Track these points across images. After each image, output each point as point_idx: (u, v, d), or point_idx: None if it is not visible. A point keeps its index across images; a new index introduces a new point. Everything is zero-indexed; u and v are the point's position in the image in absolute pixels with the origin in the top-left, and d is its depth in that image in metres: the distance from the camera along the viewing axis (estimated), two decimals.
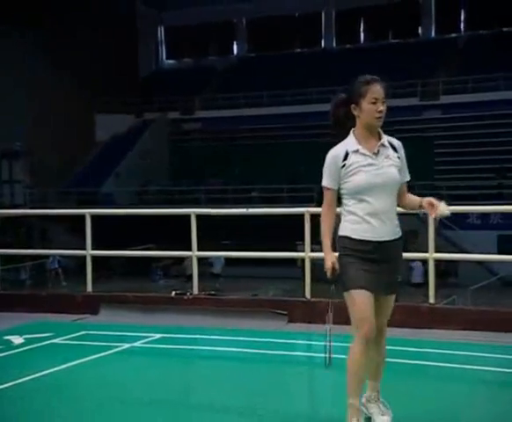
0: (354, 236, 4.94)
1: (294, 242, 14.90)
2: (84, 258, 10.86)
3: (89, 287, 10.83)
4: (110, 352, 8.15)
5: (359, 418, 4.93)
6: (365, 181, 4.89)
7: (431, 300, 9.54)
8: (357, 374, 4.93)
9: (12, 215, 15.31)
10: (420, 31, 34.68)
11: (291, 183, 27.74)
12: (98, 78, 32.60)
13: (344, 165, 4.90)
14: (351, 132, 4.99)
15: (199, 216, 10.24)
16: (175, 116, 34.24)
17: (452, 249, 20.15)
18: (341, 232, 5.05)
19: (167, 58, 38.82)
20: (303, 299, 9.65)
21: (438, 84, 29.58)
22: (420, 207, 5.11)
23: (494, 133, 27.06)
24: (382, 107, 4.88)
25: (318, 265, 10.01)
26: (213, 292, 11.51)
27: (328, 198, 5.04)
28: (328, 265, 4.91)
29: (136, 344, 8.55)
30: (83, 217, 10.75)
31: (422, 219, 13.10)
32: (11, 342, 8.62)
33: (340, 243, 5.04)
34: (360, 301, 4.90)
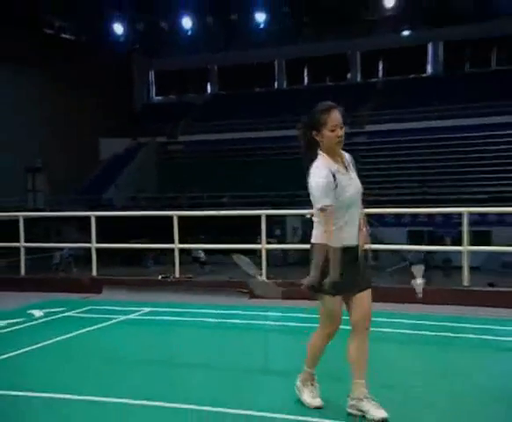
0: (339, 245, 4.35)
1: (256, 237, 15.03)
2: (90, 249, 10.84)
3: (94, 272, 10.78)
4: (111, 322, 8.14)
5: (313, 382, 4.70)
6: (350, 195, 4.44)
7: None
8: (316, 354, 4.69)
9: (35, 217, 15.17)
10: (348, 76, 34.88)
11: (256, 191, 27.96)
12: (101, 109, 32.36)
13: (336, 185, 4.34)
14: (320, 153, 4.47)
15: (180, 217, 10.30)
16: (162, 140, 34.04)
17: (374, 241, 20.26)
18: (322, 240, 4.41)
19: (156, 95, 38.57)
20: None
21: (364, 116, 29.81)
22: None
23: (407, 153, 27.37)
24: (341, 132, 4.42)
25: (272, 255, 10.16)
26: (190, 276, 11.47)
27: (331, 214, 4.33)
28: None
29: (131, 316, 8.51)
30: (89, 218, 10.75)
31: None
32: (33, 315, 8.56)
33: (320, 250, 4.39)
34: (337, 305, 4.48)
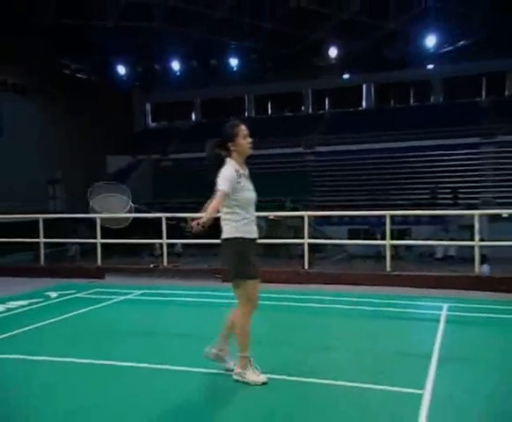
0: (247, 236, 4.25)
1: None
2: (95, 243, 10.75)
3: (99, 262, 10.68)
4: (112, 301, 8.08)
5: (251, 362, 4.32)
6: (250, 196, 4.33)
7: (306, 266, 9.72)
8: (248, 334, 4.30)
9: (54, 218, 14.87)
10: (302, 108, 35.09)
11: None
12: (108, 133, 32.07)
13: (239, 182, 4.23)
14: (228, 161, 4.30)
15: (168, 218, 10.23)
16: (156, 157, 33.70)
17: (323, 236, 20.38)
18: (235, 234, 4.23)
19: (151, 121, 38.28)
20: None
21: (314, 140, 30.01)
22: None
23: (347, 168, 27.56)
24: (251, 139, 4.37)
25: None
26: (177, 264, 11.43)
27: (222, 199, 4.16)
28: (195, 223, 4.01)
29: (128, 296, 8.46)
30: (94, 220, 10.65)
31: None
32: (50, 296, 8.46)
33: (234, 242, 4.22)
34: (256, 287, 4.30)
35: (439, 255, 19.00)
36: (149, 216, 10.40)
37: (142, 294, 8.60)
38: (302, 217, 10.18)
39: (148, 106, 38.04)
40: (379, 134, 28.22)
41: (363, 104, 33.50)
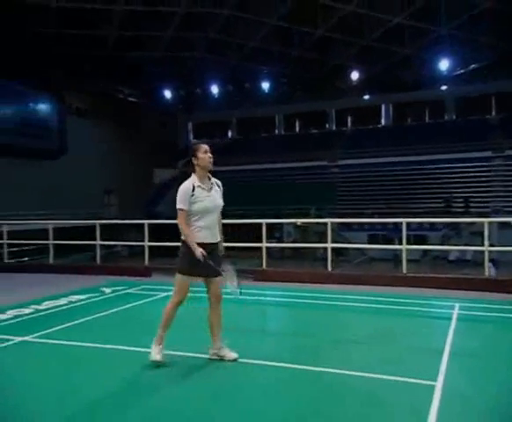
0: (198, 241, 4.38)
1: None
2: (143, 246, 10.92)
3: (146, 262, 10.85)
4: (156, 297, 8.17)
5: (162, 343, 4.53)
6: (205, 206, 4.41)
7: (329, 268, 9.64)
8: (169, 319, 4.56)
9: (108, 224, 15.19)
10: (327, 126, 34.91)
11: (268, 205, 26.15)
12: (155, 149, 32.69)
13: (193, 195, 4.36)
14: (193, 175, 4.48)
15: None
16: None
17: (344, 241, 20.19)
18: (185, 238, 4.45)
19: (193, 138, 38.79)
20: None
21: (337, 154, 29.80)
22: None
23: (367, 179, 27.24)
24: (211, 155, 4.46)
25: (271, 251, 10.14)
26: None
27: (184, 216, 4.39)
28: (199, 254, 4.32)
29: (171, 293, 8.53)
30: (143, 225, 10.85)
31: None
32: (104, 291, 8.63)
33: (184, 244, 4.45)
34: (187, 282, 4.53)
35: (452, 257, 18.55)
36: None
37: None
38: (326, 224, 10.11)
39: (190, 125, 38.60)
40: (397, 148, 27.82)
41: (382, 121, 33.08)
